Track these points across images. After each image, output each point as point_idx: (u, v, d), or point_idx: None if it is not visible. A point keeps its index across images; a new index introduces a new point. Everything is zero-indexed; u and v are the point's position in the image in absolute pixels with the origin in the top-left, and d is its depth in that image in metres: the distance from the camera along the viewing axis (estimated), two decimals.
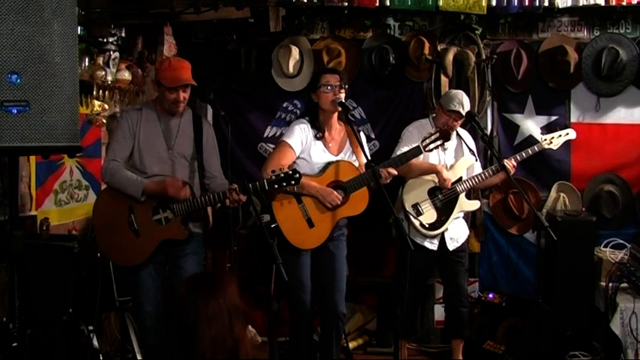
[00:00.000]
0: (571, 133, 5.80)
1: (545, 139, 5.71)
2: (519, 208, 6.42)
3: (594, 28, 6.51)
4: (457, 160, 5.62)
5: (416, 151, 4.96)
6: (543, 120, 6.54)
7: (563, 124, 6.48)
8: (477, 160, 5.70)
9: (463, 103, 5.45)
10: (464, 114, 5.48)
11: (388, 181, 4.86)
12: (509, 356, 5.84)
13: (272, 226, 4.85)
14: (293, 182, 4.47)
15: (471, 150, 5.64)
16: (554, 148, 5.74)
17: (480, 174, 5.57)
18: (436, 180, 5.46)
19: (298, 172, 4.50)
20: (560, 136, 5.74)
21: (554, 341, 5.64)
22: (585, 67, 6.38)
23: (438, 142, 4.91)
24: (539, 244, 6.06)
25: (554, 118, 6.51)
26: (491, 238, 6.63)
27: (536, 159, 6.33)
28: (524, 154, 5.64)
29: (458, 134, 5.68)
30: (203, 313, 2.87)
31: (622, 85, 6.39)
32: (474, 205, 5.75)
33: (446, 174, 5.43)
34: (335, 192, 4.83)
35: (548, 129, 6.44)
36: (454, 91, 5.62)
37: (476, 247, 6.53)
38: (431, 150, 4.97)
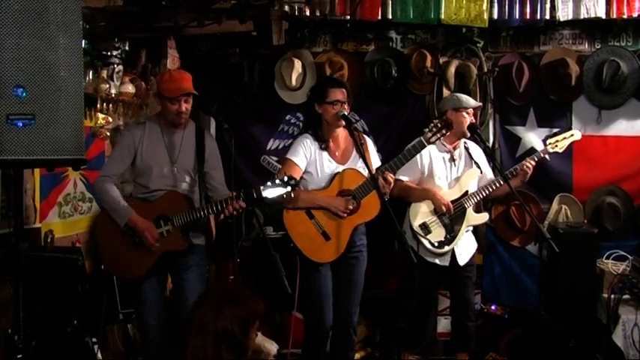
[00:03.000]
0: (576, 134, 5.82)
1: (550, 143, 5.73)
2: (521, 220, 6.42)
3: (595, 41, 6.54)
4: (464, 171, 5.64)
5: (419, 145, 4.94)
6: (545, 132, 6.53)
7: None
8: (481, 172, 5.70)
9: (469, 98, 5.61)
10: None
11: (387, 189, 4.85)
12: None
13: (290, 245, 4.86)
14: (289, 188, 4.49)
15: (475, 162, 5.65)
16: (560, 150, 5.76)
17: (485, 187, 5.59)
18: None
19: (294, 178, 4.52)
20: (564, 138, 5.76)
21: (557, 353, 5.63)
22: (586, 80, 6.39)
23: (440, 133, 4.90)
24: (541, 256, 6.08)
25: (555, 130, 6.49)
26: (494, 250, 6.62)
27: (538, 171, 6.34)
28: (535, 157, 5.66)
29: (465, 146, 5.70)
30: (195, 321, 2.88)
31: (623, 97, 6.40)
32: (483, 218, 5.76)
33: (440, 198, 5.43)
34: (345, 200, 4.84)
35: None
36: (456, 94, 5.78)
37: (478, 259, 6.49)
38: (434, 142, 4.97)
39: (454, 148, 5.61)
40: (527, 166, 5.55)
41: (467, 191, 5.57)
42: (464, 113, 5.55)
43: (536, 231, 6.22)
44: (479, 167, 5.67)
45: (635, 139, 6.49)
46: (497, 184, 5.58)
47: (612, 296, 5.57)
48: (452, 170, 5.62)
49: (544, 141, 6.20)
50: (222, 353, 2.85)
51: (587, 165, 6.50)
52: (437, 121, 4.99)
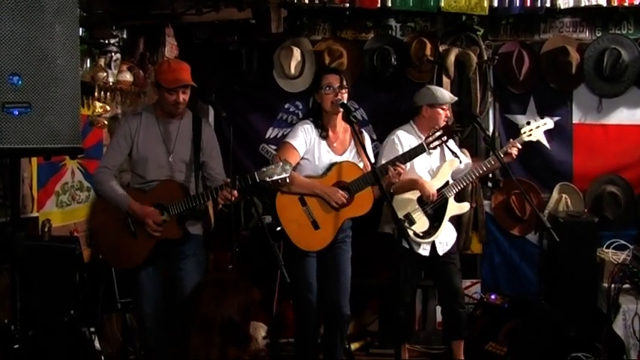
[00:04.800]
0: (549, 123, 5.76)
1: (525, 132, 5.68)
2: (521, 209, 6.41)
3: (596, 29, 6.50)
4: (442, 163, 5.62)
5: (419, 150, 4.95)
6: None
7: (565, 125, 6.48)
8: (460, 160, 5.68)
9: (445, 93, 5.58)
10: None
11: (397, 179, 4.86)
12: (512, 358, 5.84)
13: (277, 229, 4.85)
14: (285, 173, 4.46)
15: (452, 152, 5.63)
16: (534, 139, 5.71)
17: (464, 177, 5.59)
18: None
19: (289, 163, 4.50)
20: (538, 127, 5.70)
21: (557, 342, 5.63)
22: (587, 68, 6.36)
23: (441, 140, 4.90)
24: (541, 246, 6.06)
25: (556, 119, 6.44)
26: (494, 239, 6.61)
27: (538, 160, 6.36)
28: (515, 142, 5.61)
29: None
30: (197, 318, 2.84)
31: (624, 85, 6.37)
32: (464, 207, 5.74)
33: (428, 188, 5.40)
34: (340, 191, 4.83)
35: (550, 130, 6.42)
36: (432, 87, 5.74)
37: (478, 249, 6.52)
38: (435, 147, 4.96)
39: None
40: (514, 154, 5.53)
41: (447, 181, 5.56)
42: (439, 109, 5.53)
43: (536, 220, 6.21)
44: (456, 157, 5.65)
45: (636, 127, 6.47)
46: (480, 171, 5.56)
47: (612, 286, 5.56)
48: (429, 161, 5.59)
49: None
50: (228, 349, 2.82)
51: (588, 154, 6.48)
52: (437, 127, 5.00)
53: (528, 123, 5.82)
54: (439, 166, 5.59)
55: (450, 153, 5.63)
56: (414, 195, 5.48)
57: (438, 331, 6.56)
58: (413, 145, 5.37)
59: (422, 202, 5.48)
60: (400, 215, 5.44)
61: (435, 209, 5.50)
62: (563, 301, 5.74)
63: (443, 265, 5.65)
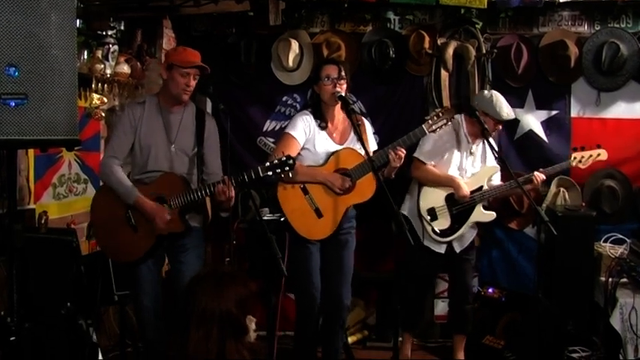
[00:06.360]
0: (602, 154, 5.80)
1: (576, 157, 5.74)
2: (519, 202, 6.39)
3: (595, 23, 6.48)
4: (481, 166, 5.61)
5: (420, 133, 4.93)
6: (543, 114, 6.51)
7: (563, 118, 6.47)
8: (500, 167, 5.67)
9: (503, 109, 5.46)
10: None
11: (399, 163, 4.83)
12: (509, 351, 5.85)
13: (281, 219, 4.84)
14: (287, 168, 4.43)
15: (496, 158, 5.60)
16: (583, 167, 5.78)
17: (502, 185, 5.59)
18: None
19: (292, 158, 4.47)
20: (591, 156, 5.75)
21: (554, 336, 5.63)
22: (586, 62, 6.35)
23: (442, 123, 4.89)
24: (539, 239, 6.04)
25: (554, 112, 6.49)
26: (491, 232, 6.59)
27: (536, 153, 6.35)
28: (551, 170, 5.70)
29: (484, 144, 5.65)
30: (196, 312, 2.84)
31: (622, 79, 6.36)
32: (490, 216, 5.68)
33: (464, 188, 5.42)
34: (342, 177, 4.82)
35: (548, 123, 6.44)
36: (495, 96, 5.54)
37: (476, 242, 6.49)
38: (434, 131, 4.94)
39: (474, 142, 5.58)
40: (540, 179, 5.57)
41: (482, 186, 5.55)
42: (489, 120, 5.46)
43: (534, 214, 6.19)
44: (499, 163, 5.62)
45: (634, 121, 6.47)
46: (515, 184, 5.53)
47: (610, 279, 5.55)
48: (466, 163, 5.58)
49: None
50: (226, 342, 2.82)
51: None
52: (438, 110, 4.97)
53: (582, 149, 5.82)
54: (476, 170, 5.61)
55: (494, 159, 5.61)
56: (444, 191, 5.50)
57: (434, 324, 6.57)
58: (454, 140, 5.39)
59: (450, 200, 5.50)
60: (425, 208, 5.46)
61: (460, 211, 5.51)
62: (560, 294, 5.74)
63: (459, 260, 5.68)
